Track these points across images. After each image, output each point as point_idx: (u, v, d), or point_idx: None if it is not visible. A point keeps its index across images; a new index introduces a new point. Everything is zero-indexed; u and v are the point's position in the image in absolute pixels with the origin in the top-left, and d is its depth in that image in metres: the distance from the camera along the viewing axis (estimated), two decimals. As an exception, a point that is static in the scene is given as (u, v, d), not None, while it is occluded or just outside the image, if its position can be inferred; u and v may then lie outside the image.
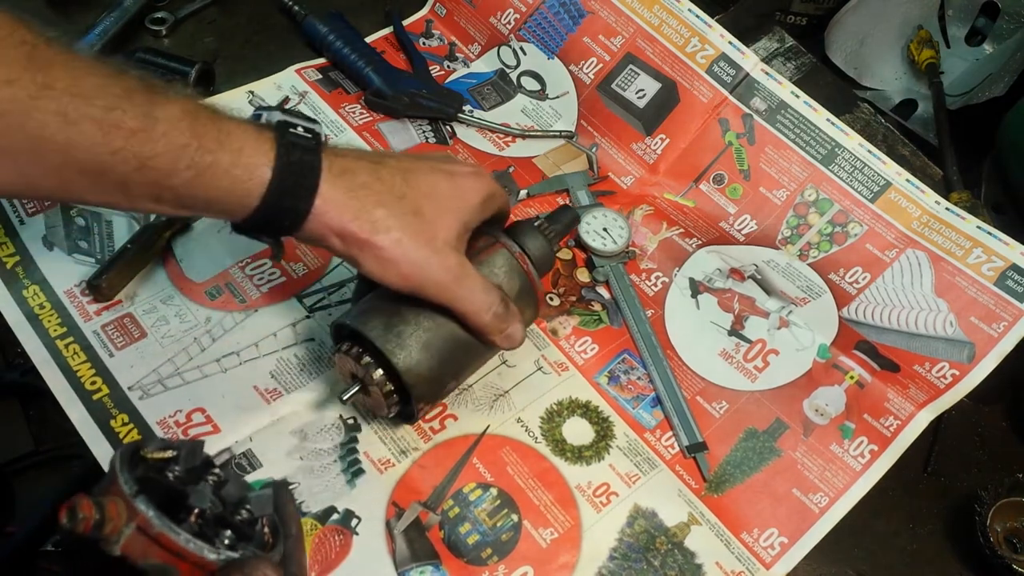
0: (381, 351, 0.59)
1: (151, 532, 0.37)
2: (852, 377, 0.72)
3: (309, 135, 0.56)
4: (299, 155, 0.54)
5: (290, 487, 0.47)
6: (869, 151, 0.78)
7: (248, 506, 0.43)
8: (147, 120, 0.50)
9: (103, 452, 0.62)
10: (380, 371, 0.60)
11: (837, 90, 0.92)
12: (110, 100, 0.49)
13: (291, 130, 0.55)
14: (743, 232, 0.81)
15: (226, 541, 0.39)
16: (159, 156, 0.50)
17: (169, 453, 0.42)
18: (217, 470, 0.43)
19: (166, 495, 0.39)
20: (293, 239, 0.58)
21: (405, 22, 0.95)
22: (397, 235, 0.56)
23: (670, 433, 0.70)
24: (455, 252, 0.59)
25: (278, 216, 0.55)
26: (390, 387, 0.61)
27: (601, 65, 0.87)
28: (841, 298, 0.76)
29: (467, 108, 0.88)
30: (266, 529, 0.43)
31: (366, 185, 0.57)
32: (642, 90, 0.85)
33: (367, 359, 0.60)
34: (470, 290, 0.59)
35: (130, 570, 0.37)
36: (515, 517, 0.64)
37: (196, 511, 0.39)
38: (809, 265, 0.77)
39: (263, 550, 0.42)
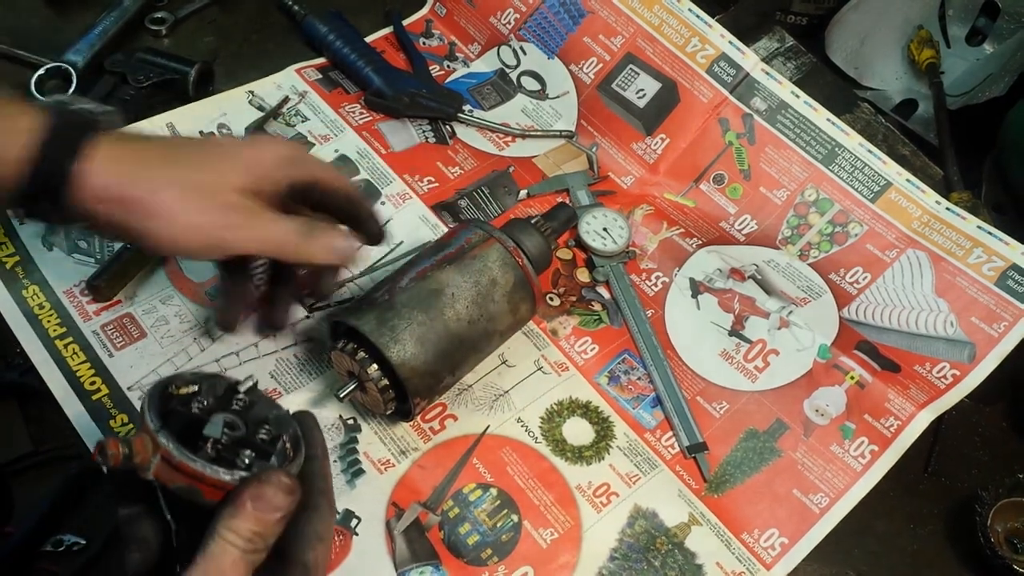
0: (375, 345, 0.60)
1: (173, 461, 0.43)
2: (852, 377, 0.72)
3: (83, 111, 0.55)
4: (68, 116, 0.53)
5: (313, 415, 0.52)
6: (869, 151, 0.78)
7: (267, 426, 0.47)
8: None
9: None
10: (375, 366, 0.60)
11: (837, 90, 0.92)
12: None
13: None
14: (743, 232, 0.80)
15: (246, 461, 0.45)
16: None
17: (193, 388, 0.47)
18: (242, 396, 0.48)
19: (188, 427, 0.45)
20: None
21: (405, 22, 0.95)
22: (178, 190, 0.54)
23: (670, 433, 0.69)
24: (244, 198, 0.56)
25: (47, 173, 0.51)
26: (386, 382, 0.61)
27: (601, 65, 0.87)
28: (841, 298, 0.76)
29: (467, 108, 0.88)
30: (288, 445, 0.48)
31: (143, 141, 0.56)
32: (642, 90, 0.85)
33: (362, 355, 0.60)
34: (271, 220, 0.56)
35: (163, 490, 0.44)
36: (515, 517, 0.64)
37: (211, 440, 0.45)
38: (809, 265, 0.77)
39: (283, 462, 0.47)
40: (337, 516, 0.62)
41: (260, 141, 0.61)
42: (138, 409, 0.46)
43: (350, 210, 0.63)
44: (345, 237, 0.60)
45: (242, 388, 0.49)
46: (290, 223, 0.57)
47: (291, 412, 0.50)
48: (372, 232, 0.64)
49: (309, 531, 0.46)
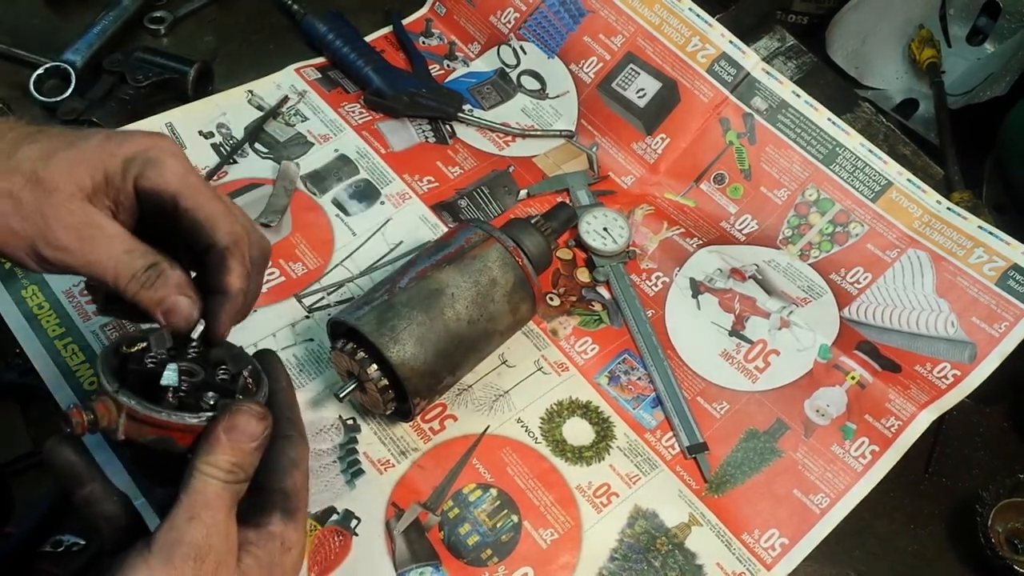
0: (375, 345, 0.59)
1: (138, 417, 0.44)
2: (853, 378, 0.72)
3: None
4: None
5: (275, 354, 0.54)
6: (870, 151, 0.78)
7: (225, 366, 0.49)
8: None
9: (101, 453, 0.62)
10: (375, 366, 0.60)
11: (838, 89, 0.92)
12: None
13: None
14: (744, 232, 0.80)
15: (211, 402, 0.46)
16: None
17: (142, 344, 0.48)
18: (195, 342, 0.49)
19: (148, 381, 0.46)
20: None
21: (405, 21, 0.95)
22: (6, 186, 0.46)
23: (670, 434, 0.69)
24: (86, 206, 0.47)
25: None
26: (385, 382, 0.61)
27: (601, 64, 0.87)
28: (842, 298, 0.75)
29: (467, 107, 0.87)
30: (248, 379, 0.49)
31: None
32: (643, 89, 0.85)
33: (362, 355, 0.60)
34: (108, 241, 0.47)
35: (137, 446, 0.45)
36: (515, 518, 0.64)
37: (171, 389, 0.46)
38: (810, 265, 0.77)
39: (246, 395, 0.48)
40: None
41: (122, 134, 0.49)
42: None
43: (210, 265, 0.50)
44: (184, 294, 0.48)
45: (193, 335, 0.49)
46: (126, 256, 0.47)
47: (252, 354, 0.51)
48: (216, 313, 0.49)
49: (284, 460, 0.48)
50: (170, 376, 0.46)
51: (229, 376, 0.49)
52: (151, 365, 0.47)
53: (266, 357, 0.53)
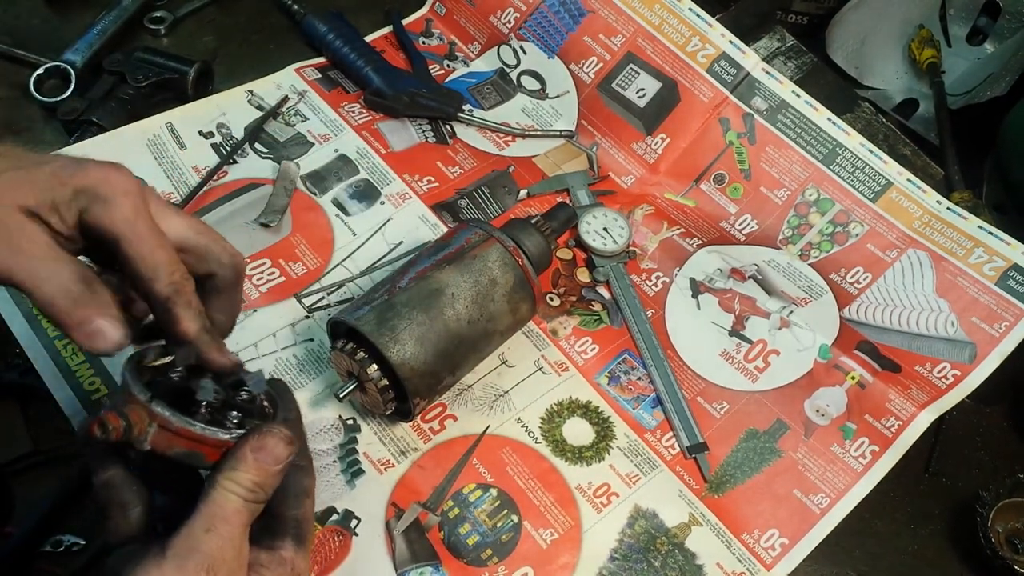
0: (375, 345, 0.60)
1: (172, 428, 0.44)
2: (853, 378, 0.72)
3: None
4: None
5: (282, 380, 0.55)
6: (870, 151, 0.78)
7: (246, 387, 0.49)
8: None
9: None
10: (375, 366, 0.60)
11: (838, 89, 0.92)
12: None
13: None
14: (744, 232, 0.80)
15: (235, 421, 0.46)
16: None
17: (168, 359, 0.48)
18: None
19: (174, 393, 0.45)
20: None
21: (405, 21, 0.95)
22: None
23: (671, 434, 0.69)
24: (26, 220, 0.44)
25: None
26: (385, 382, 0.61)
27: (601, 64, 0.87)
28: (842, 298, 0.75)
29: (467, 107, 0.87)
30: (265, 403, 0.50)
31: None
32: (642, 89, 0.85)
33: (362, 355, 0.60)
34: (46, 261, 0.44)
35: (161, 458, 0.44)
36: (515, 518, 0.64)
37: (204, 403, 0.46)
38: (810, 265, 0.77)
39: (265, 419, 0.49)
40: (338, 515, 0.62)
41: (79, 163, 0.46)
42: (120, 384, 0.46)
43: (156, 314, 0.47)
44: (115, 328, 0.45)
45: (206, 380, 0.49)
46: (64, 277, 0.44)
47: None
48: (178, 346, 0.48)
49: (297, 488, 0.48)
50: (206, 391, 0.46)
51: (248, 397, 0.49)
52: (175, 379, 0.47)
53: (276, 384, 0.53)
